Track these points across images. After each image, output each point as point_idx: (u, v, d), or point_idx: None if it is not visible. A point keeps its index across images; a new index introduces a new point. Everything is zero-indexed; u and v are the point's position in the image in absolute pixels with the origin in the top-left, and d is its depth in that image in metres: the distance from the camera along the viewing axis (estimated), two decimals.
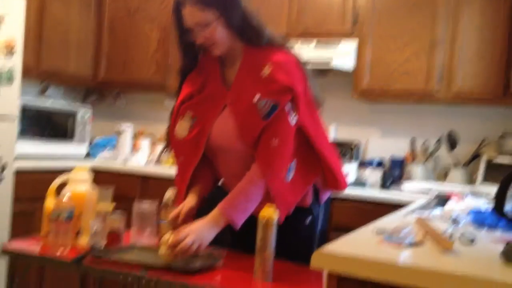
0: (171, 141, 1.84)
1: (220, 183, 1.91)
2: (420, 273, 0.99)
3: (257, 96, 1.59)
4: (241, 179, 1.68)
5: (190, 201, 1.76)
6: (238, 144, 1.67)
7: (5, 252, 1.69)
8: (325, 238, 1.85)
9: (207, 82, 1.73)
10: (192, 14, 1.59)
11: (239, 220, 1.60)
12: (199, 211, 1.74)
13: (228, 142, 1.69)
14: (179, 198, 1.82)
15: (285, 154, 1.65)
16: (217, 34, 1.61)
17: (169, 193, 1.84)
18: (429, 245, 1.22)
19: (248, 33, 1.64)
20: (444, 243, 1.15)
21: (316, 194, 1.77)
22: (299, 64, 1.68)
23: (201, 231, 1.57)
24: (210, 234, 1.59)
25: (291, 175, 1.68)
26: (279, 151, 1.62)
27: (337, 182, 1.77)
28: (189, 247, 1.53)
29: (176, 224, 1.71)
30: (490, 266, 1.06)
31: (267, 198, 1.63)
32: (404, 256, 1.10)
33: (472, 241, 1.27)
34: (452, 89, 2.87)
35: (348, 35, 3.08)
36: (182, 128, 1.74)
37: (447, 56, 2.88)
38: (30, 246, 1.73)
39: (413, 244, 1.20)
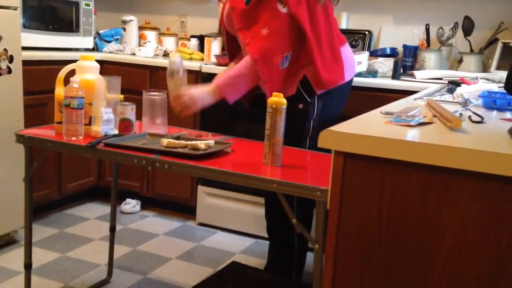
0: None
1: None
2: (427, 148, 1.00)
3: None
4: None
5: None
6: (228, 25, 1.94)
7: (21, 137, 1.73)
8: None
9: None
10: None
11: (232, 99, 1.85)
12: None
13: (224, 23, 1.97)
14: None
15: (276, 41, 1.78)
16: None
17: (174, 58, 1.85)
18: (438, 125, 1.22)
19: None
20: (452, 121, 1.15)
21: (309, 84, 1.88)
22: None
23: (196, 96, 1.83)
24: (204, 102, 1.84)
25: (286, 64, 1.81)
26: (270, 38, 1.77)
27: (321, 81, 1.87)
28: (183, 105, 1.81)
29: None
30: (497, 142, 1.07)
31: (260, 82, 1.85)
32: (412, 134, 1.11)
33: (480, 120, 1.27)
34: None
35: None
36: (219, 12, 2.10)
37: None
38: (44, 133, 1.78)
39: (421, 124, 1.20)
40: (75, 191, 3.23)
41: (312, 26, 1.82)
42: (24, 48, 2.66)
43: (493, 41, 2.87)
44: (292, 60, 1.84)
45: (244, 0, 1.80)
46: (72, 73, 1.85)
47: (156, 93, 1.89)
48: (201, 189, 3.08)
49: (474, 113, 1.33)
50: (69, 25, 3.23)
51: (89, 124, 1.76)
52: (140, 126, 1.91)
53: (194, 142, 1.60)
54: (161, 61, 3.20)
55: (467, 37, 2.89)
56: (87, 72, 1.81)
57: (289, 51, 1.81)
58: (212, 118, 2.98)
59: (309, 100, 1.92)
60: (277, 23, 1.77)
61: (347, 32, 3.14)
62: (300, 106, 1.92)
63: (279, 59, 1.79)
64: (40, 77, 2.80)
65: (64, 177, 3.10)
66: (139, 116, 1.88)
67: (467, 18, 2.87)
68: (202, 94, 1.84)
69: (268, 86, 1.80)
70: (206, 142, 1.60)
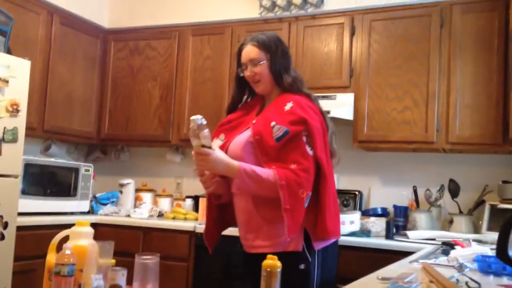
0: None
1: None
2: None
3: (274, 122, 1.85)
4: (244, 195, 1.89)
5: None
6: (244, 152, 1.90)
7: None
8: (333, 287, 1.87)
9: (246, 114, 2.04)
10: (249, 51, 1.97)
11: (238, 187, 1.83)
12: None
13: (237, 149, 1.92)
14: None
15: (303, 177, 1.79)
16: (262, 73, 1.95)
17: (195, 117, 1.78)
18: None
19: (286, 80, 1.95)
20: None
21: (308, 240, 1.84)
22: (319, 112, 1.93)
23: (215, 163, 1.81)
24: (219, 171, 1.85)
25: (307, 204, 1.80)
26: (297, 173, 1.79)
27: (326, 230, 1.84)
28: (200, 164, 1.83)
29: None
30: None
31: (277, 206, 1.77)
32: None
33: (478, 287, 1.25)
34: (451, 138, 2.89)
35: (344, 88, 3.14)
36: (215, 146, 1.99)
37: (444, 106, 2.92)
38: None
39: None
40: None
41: (329, 173, 1.89)
42: (20, 214, 2.68)
43: (480, 203, 2.94)
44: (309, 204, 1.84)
45: (275, 137, 1.83)
46: (65, 238, 1.84)
47: (148, 257, 1.86)
48: None
49: (471, 279, 1.32)
50: (67, 190, 3.31)
51: None
52: None
53: None
54: (155, 222, 3.23)
55: (455, 199, 2.98)
56: (81, 238, 1.80)
57: (310, 192, 1.83)
58: (205, 276, 2.90)
59: (310, 259, 1.86)
60: (305, 162, 1.81)
61: (338, 192, 3.22)
62: (302, 266, 1.85)
63: (304, 194, 1.80)
64: (34, 242, 2.78)
65: None
66: (130, 280, 1.82)
67: (452, 181, 2.99)
68: (222, 163, 1.82)
69: (288, 214, 1.76)
70: None
